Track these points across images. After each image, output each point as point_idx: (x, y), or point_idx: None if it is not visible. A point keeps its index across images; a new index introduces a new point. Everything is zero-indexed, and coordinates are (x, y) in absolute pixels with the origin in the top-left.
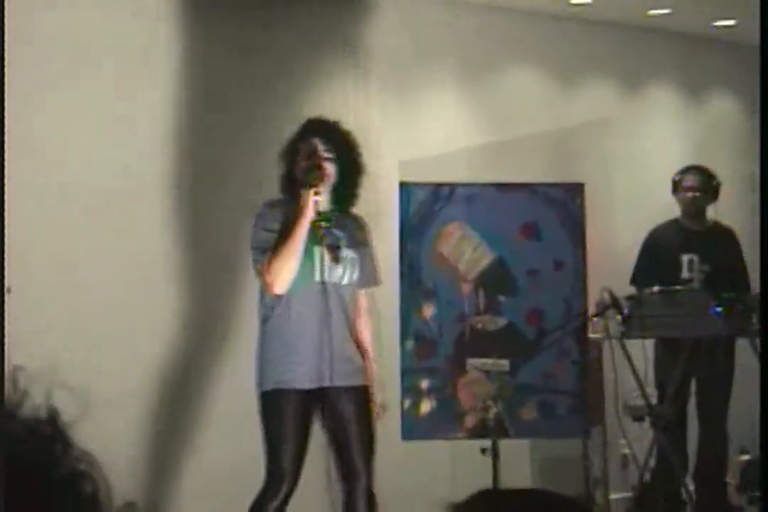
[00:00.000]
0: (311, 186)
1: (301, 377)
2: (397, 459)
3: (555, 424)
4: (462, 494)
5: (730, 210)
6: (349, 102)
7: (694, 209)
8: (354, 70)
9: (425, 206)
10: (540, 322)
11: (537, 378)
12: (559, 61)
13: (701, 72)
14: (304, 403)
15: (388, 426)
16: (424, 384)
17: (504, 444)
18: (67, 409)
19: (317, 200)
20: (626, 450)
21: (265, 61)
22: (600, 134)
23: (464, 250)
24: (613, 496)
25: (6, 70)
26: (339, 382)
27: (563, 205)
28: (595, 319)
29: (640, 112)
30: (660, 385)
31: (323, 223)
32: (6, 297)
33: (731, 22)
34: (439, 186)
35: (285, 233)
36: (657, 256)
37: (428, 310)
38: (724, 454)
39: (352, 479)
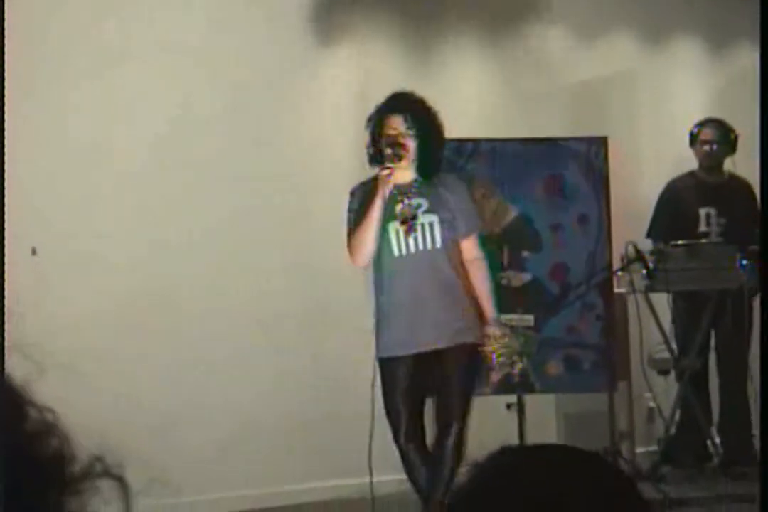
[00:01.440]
0: (385, 165)
1: (402, 345)
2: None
3: (580, 379)
4: (487, 449)
5: (750, 162)
6: (369, 59)
7: (711, 162)
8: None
9: (449, 162)
10: (564, 277)
11: (562, 333)
12: (581, 14)
13: (726, 23)
14: (411, 368)
15: None
16: None
17: (529, 399)
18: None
19: (390, 176)
20: (652, 404)
21: None
22: (623, 87)
23: (488, 206)
24: (639, 450)
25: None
26: (441, 345)
27: (586, 159)
28: (619, 273)
29: (663, 65)
30: (679, 338)
31: (401, 197)
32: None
33: None
34: (462, 141)
35: (361, 211)
36: (674, 209)
37: None
38: (746, 407)
39: (444, 427)
